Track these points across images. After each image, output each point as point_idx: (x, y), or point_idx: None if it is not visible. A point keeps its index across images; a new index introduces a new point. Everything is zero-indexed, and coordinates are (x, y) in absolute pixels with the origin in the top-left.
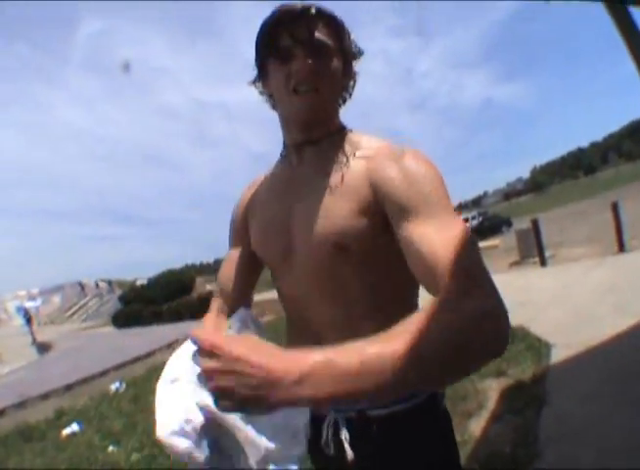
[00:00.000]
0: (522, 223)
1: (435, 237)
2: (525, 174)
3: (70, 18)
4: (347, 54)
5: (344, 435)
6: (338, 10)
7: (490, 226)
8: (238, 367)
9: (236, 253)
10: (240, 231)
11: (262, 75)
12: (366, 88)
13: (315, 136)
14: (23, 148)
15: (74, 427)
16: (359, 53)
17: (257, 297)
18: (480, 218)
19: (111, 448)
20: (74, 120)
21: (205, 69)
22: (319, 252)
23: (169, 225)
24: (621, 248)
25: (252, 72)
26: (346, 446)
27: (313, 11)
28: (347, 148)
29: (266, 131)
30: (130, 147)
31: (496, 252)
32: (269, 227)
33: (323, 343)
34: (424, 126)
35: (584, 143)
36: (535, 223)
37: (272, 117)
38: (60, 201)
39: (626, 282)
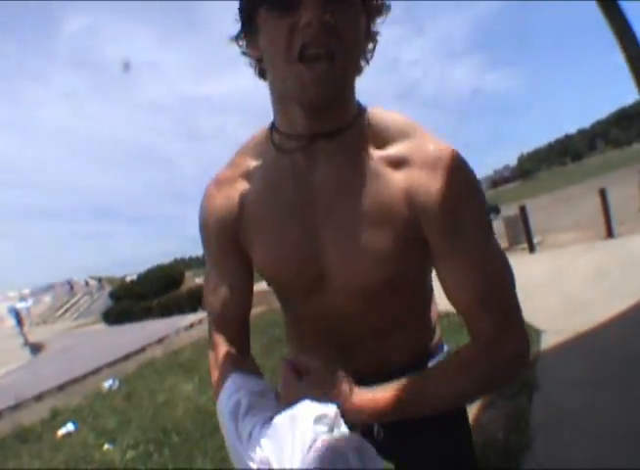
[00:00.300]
0: (509, 210)
1: (477, 273)
2: (513, 162)
3: (55, 14)
4: (371, 7)
5: None
6: None
7: None
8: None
9: (227, 275)
10: (226, 248)
11: (250, 30)
12: None
13: (330, 126)
14: (10, 146)
15: (70, 427)
16: (386, 8)
17: None
18: None
19: (106, 447)
20: (61, 118)
21: (190, 62)
22: (359, 285)
23: (158, 220)
24: (610, 233)
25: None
26: (376, 425)
27: None
28: (375, 145)
29: (252, 123)
30: (117, 143)
31: None
32: (291, 255)
33: (345, 353)
34: (411, 115)
35: (572, 130)
36: (523, 210)
37: (255, 109)
38: (48, 199)
39: (615, 267)
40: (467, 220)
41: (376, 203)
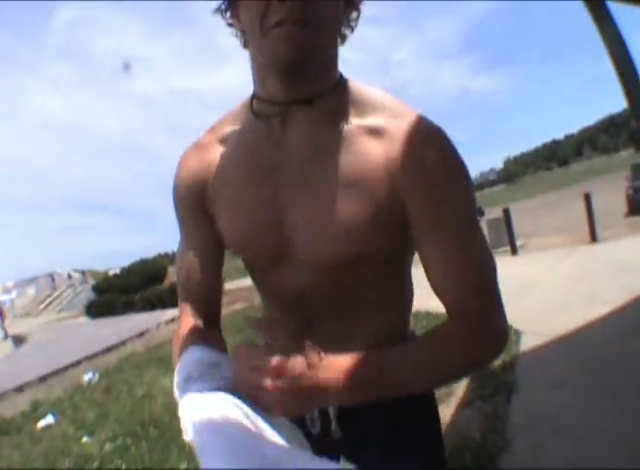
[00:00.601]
0: (494, 213)
1: (464, 256)
2: (499, 165)
3: (46, 5)
4: None
5: (333, 412)
6: None
7: None
8: (302, 384)
9: (195, 243)
10: (196, 215)
11: (232, 2)
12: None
13: (307, 92)
14: None
15: (49, 419)
16: None
17: (228, 285)
18: None
19: (85, 439)
20: (49, 109)
21: (180, 56)
22: (327, 260)
23: (143, 215)
24: (594, 238)
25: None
26: (333, 423)
27: None
28: (353, 114)
29: None
30: (105, 136)
31: None
32: (253, 222)
33: (314, 327)
34: None
35: (559, 135)
36: (507, 212)
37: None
38: (33, 191)
39: (597, 272)
40: (454, 201)
41: (351, 170)
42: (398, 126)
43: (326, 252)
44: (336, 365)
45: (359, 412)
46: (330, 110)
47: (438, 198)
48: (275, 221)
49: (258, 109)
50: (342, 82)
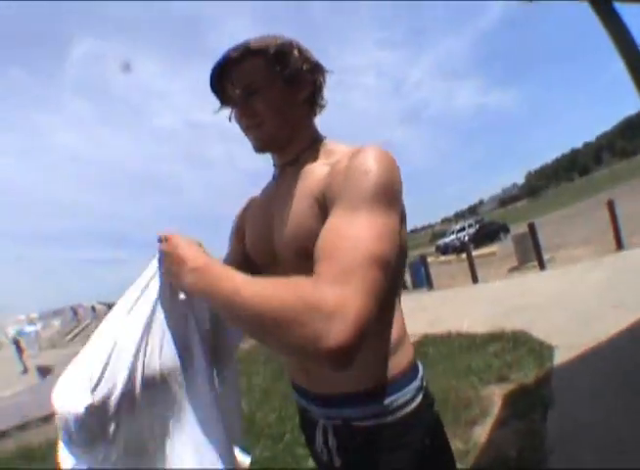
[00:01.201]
0: (519, 229)
1: (342, 230)
2: (520, 180)
3: (63, 42)
4: (291, 75)
5: (332, 442)
6: (325, 27)
7: (488, 233)
8: (174, 250)
9: (229, 253)
10: (237, 234)
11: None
12: (359, 101)
13: (288, 158)
14: (20, 172)
15: None
16: (309, 66)
17: None
18: (477, 226)
19: None
20: (70, 144)
21: (197, 90)
22: (289, 255)
23: None
24: (620, 246)
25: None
26: (334, 453)
27: (235, 55)
28: (321, 158)
29: None
30: (126, 170)
31: (494, 259)
32: (257, 234)
33: None
34: (418, 137)
35: (578, 144)
36: (532, 227)
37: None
38: (55, 225)
39: (626, 279)
40: (355, 185)
41: (305, 189)
42: (348, 153)
43: (284, 246)
44: (195, 249)
45: (356, 444)
46: (308, 160)
47: (347, 182)
48: (266, 232)
49: (274, 172)
50: (318, 141)
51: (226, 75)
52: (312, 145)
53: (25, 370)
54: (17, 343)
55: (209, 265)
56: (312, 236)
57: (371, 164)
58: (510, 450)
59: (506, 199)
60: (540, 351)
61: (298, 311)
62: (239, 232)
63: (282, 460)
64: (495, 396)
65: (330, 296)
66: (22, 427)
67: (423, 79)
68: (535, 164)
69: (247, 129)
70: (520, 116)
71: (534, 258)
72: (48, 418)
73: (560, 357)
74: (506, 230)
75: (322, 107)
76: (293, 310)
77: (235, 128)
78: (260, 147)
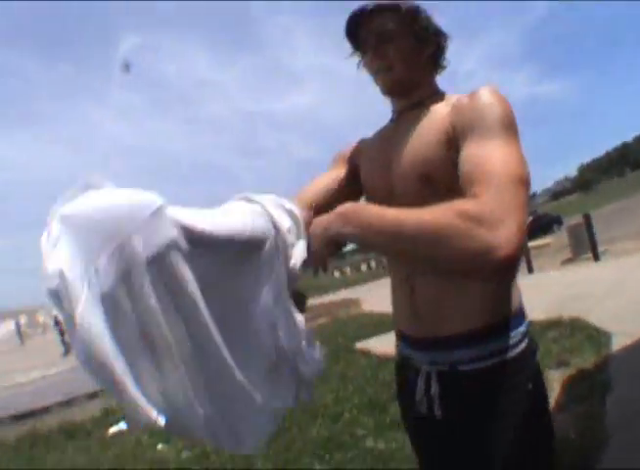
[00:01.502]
0: (572, 222)
1: (486, 155)
2: (573, 172)
3: (111, 35)
4: (420, 32)
5: (434, 390)
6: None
7: (541, 225)
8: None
9: (328, 173)
10: (343, 158)
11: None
12: None
13: (409, 103)
14: (72, 164)
15: (122, 425)
16: (433, 29)
17: (312, 301)
18: (531, 218)
19: (160, 447)
20: (121, 136)
21: (248, 80)
22: (411, 184)
23: None
24: None
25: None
26: (436, 402)
27: (372, 7)
28: (441, 103)
29: (311, 139)
30: (177, 159)
31: (548, 250)
32: (375, 165)
33: (412, 272)
34: None
35: (628, 138)
36: (588, 218)
37: (316, 126)
38: None
39: None
40: (484, 117)
41: (428, 125)
42: (467, 95)
43: (405, 175)
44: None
45: (461, 390)
46: (427, 106)
47: (475, 113)
48: (385, 164)
49: (392, 116)
50: (438, 93)
51: (362, 24)
52: (434, 95)
53: (67, 351)
54: (59, 324)
55: (357, 206)
56: (437, 163)
57: (496, 98)
58: (570, 433)
59: (559, 192)
60: (598, 337)
61: (467, 227)
62: (346, 156)
63: (340, 440)
64: (555, 381)
65: (491, 210)
66: (65, 404)
67: (475, 69)
68: (586, 158)
69: (377, 72)
70: (572, 107)
71: (588, 251)
72: (91, 396)
73: (617, 344)
74: (559, 222)
75: (443, 68)
76: (461, 227)
77: (288, 118)
78: (388, 89)
